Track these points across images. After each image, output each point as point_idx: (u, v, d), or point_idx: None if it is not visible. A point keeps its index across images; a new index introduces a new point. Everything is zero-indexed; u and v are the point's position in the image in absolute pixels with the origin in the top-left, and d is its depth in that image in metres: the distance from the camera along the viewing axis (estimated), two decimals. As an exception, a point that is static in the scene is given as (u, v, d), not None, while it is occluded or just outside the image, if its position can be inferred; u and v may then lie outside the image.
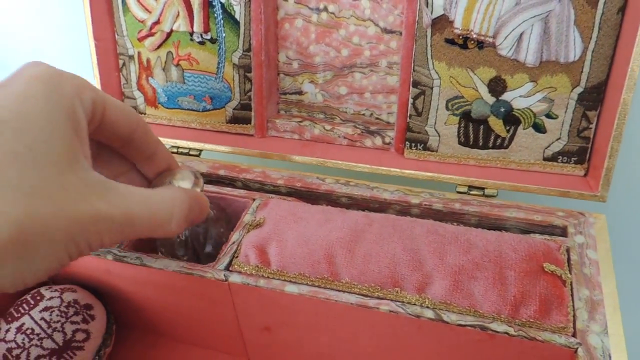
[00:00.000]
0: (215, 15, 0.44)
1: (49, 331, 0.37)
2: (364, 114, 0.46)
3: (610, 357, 0.29)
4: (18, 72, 0.26)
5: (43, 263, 0.23)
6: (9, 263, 0.22)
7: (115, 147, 0.32)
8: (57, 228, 0.23)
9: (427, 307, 0.32)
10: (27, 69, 0.26)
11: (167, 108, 0.49)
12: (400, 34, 0.42)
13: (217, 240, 0.40)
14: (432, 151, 0.43)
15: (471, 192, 0.41)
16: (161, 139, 0.48)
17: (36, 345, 0.36)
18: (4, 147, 0.23)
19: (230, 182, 0.45)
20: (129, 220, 0.26)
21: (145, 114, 0.50)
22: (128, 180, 0.33)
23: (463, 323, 0.31)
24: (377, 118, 0.46)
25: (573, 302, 0.32)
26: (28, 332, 0.36)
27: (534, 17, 0.37)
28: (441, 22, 0.39)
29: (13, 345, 0.36)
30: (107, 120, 0.29)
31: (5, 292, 0.24)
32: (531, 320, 0.31)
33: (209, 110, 0.48)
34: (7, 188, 0.22)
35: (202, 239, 0.40)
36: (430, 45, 0.40)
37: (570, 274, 0.33)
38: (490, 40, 0.38)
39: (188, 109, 0.49)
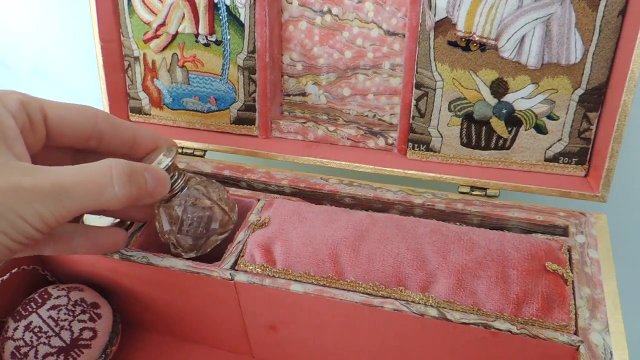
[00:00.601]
0: (221, 17, 0.45)
1: (57, 329, 0.37)
2: (367, 115, 0.47)
3: (611, 354, 0.29)
4: None
5: None
6: None
7: (92, 148, 0.33)
8: None
9: (431, 305, 0.33)
10: None
11: (172, 109, 0.50)
12: (404, 36, 0.42)
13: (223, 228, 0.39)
14: (435, 152, 0.43)
15: (473, 193, 0.41)
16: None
17: (44, 343, 0.36)
18: None
19: (234, 182, 0.46)
20: (61, 189, 0.27)
21: (150, 114, 0.50)
22: None
23: (466, 321, 0.31)
24: (380, 119, 0.46)
25: (575, 300, 0.32)
26: (36, 330, 0.37)
27: (535, 20, 0.37)
28: (444, 25, 0.39)
29: (21, 343, 0.37)
30: (55, 123, 0.30)
31: None
32: (533, 318, 0.31)
33: (213, 111, 0.48)
34: None
35: (203, 228, 0.39)
36: (433, 48, 0.40)
37: (572, 272, 0.34)
38: (493, 42, 0.39)
39: (193, 110, 0.49)
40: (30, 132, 0.30)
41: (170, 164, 0.35)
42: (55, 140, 0.31)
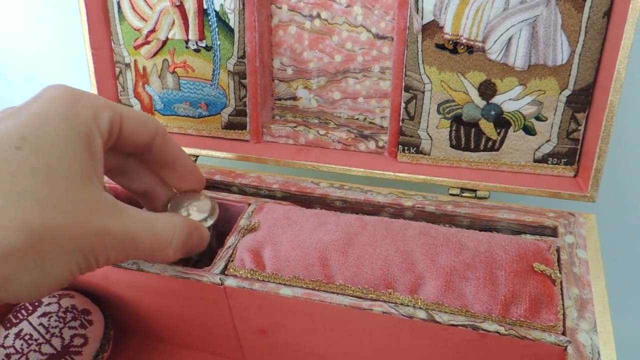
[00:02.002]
0: (210, 23, 0.45)
1: (47, 336, 0.37)
2: (357, 119, 0.47)
3: (599, 354, 0.29)
4: (40, 94, 0.27)
5: (56, 272, 0.25)
6: (25, 272, 0.24)
7: (136, 155, 0.33)
8: (68, 239, 0.25)
9: (420, 307, 0.33)
10: (48, 91, 0.27)
11: (163, 115, 0.50)
12: (392, 39, 0.43)
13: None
14: (425, 154, 0.43)
15: (463, 195, 0.41)
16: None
17: (34, 351, 0.36)
18: (23, 163, 0.24)
19: (226, 187, 0.46)
20: (133, 241, 0.28)
21: (141, 121, 0.50)
22: (153, 196, 0.35)
23: (455, 323, 0.31)
24: (370, 122, 0.47)
25: (563, 300, 0.32)
26: (26, 337, 0.37)
27: (521, 22, 0.37)
28: (431, 28, 0.39)
29: (12, 350, 0.37)
30: (125, 133, 0.30)
31: (19, 302, 0.26)
32: (521, 319, 0.31)
33: (204, 116, 0.49)
34: (24, 198, 0.24)
35: None
36: (421, 51, 0.40)
37: (560, 273, 0.34)
38: (480, 45, 0.39)
39: (184, 116, 0.49)
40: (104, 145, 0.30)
41: (212, 224, 0.37)
42: (115, 146, 0.31)
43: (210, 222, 0.37)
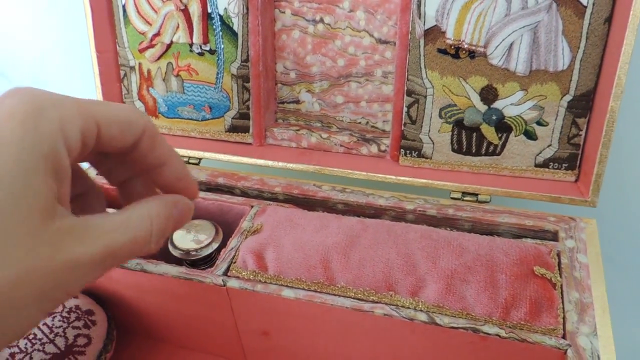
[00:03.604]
0: (214, 27, 0.45)
1: (51, 336, 0.37)
2: (359, 123, 0.47)
3: (599, 358, 0.30)
4: None
5: (12, 330, 0.22)
6: None
7: (117, 154, 0.28)
8: (24, 293, 0.21)
9: (421, 310, 0.33)
10: (6, 102, 0.23)
11: (167, 118, 0.50)
12: (395, 44, 0.43)
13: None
14: (427, 158, 0.44)
15: (465, 199, 0.42)
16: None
17: (39, 350, 0.37)
18: None
19: (228, 189, 0.46)
20: (111, 253, 0.24)
21: (145, 123, 0.51)
22: (130, 189, 0.31)
23: (455, 326, 0.32)
24: (372, 126, 0.47)
25: (563, 304, 0.32)
26: (30, 337, 0.37)
27: (523, 27, 0.38)
28: (433, 33, 0.40)
29: (16, 350, 0.37)
30: (103, 141, 0.26)
31: None
32: (522, 322, 0.32)
33: (208, 119, 0.49)
34: None
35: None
36: (423, 55, 0.41)
37: (561, 277, 0.34)
38: (482, 50, 0.39)
39: (188, 119, 0.50)
40: (76, 157, 0.26)
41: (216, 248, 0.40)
42: (93, 150, 0.27)
43: (215, 246, 0.40)
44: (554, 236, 0.39)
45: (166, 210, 0.27)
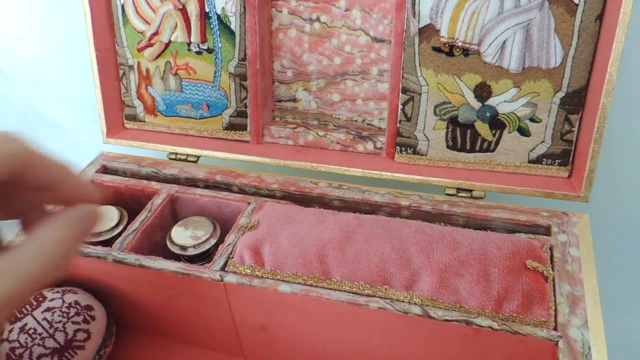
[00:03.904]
0: (212, 26, 0.46)
1: (51, 331, 0.38)
2: (356, 120, 0.48)
3: (590, 349, 0.30)
4: None
5: None
6: None
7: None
8: None
9: (415, 303, 0.33)
10: None
11: (165, 116, 0.51)
12: (390, 42, 0.44)
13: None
14: (422, 155, 0.44)
15: (459, 194, 0.42)
16: (160, 146, 0.50)
17: (38, 345, 0.37)
18: None
19: (226, 186, 0.47)
20: (26, 288, 0.23)
21: (144, 122, 0.51)
22: (28, 218, 0.28)
23: (449, 318, 0.32)
24: (368, 124, 0.47)
25: (555, 297, 0.33)
26: (31, 332, 0.38)
27: (515, 25, 0.38)
28: (428, 31, 0.40)
29: (16, 344, 0.37)
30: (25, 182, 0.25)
31: None
32: (514, 314, 0.32)
33: (206, 117, 0.50)
34: None
35: None
36: (418, 53, 0.41)
37: (553, 270, 0.35)
38: (475, 47, 0.40)
39: (186, 117, 0.50)
40: None
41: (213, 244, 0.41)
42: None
43: (212, 242, 0.41)
44: (546, 231, 0.39)
45: (69, 231, 0.25)
